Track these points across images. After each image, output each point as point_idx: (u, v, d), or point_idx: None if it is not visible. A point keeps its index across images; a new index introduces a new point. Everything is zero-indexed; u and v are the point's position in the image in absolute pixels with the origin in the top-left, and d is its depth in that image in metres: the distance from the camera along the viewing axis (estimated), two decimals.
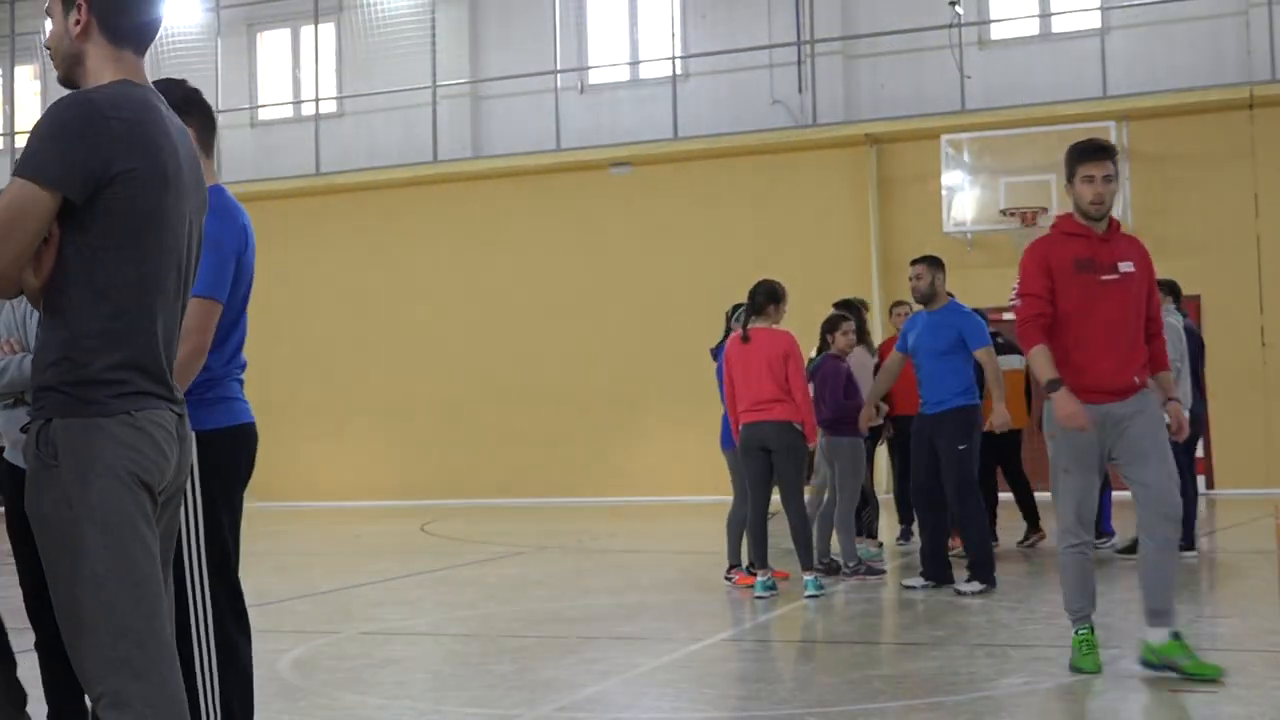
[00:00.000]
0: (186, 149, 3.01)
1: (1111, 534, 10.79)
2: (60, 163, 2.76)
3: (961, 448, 8.43)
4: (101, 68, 2.96)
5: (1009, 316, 18.72)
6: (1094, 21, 17.74)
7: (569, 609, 8.15)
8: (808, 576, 8.34)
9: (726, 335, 9.44)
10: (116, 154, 2.79)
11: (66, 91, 2.98)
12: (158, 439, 2.88)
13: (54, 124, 2.80)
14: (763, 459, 8.42)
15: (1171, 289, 10.61)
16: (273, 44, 21.92)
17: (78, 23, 2.95)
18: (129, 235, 2.84)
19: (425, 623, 7.79)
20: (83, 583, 2.78)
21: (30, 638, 4.02)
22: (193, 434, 3.08)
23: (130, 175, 2.80)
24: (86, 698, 2.97)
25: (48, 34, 3.03)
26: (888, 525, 11.60)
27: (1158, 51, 17.36)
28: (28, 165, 2.76)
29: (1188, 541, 10.41)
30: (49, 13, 3.03)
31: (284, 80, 21.74)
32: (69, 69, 3.01)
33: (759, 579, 8.39)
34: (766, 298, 8.55)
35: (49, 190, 2.75)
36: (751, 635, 7.30)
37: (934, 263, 8.78)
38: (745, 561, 8.87)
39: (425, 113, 20.15)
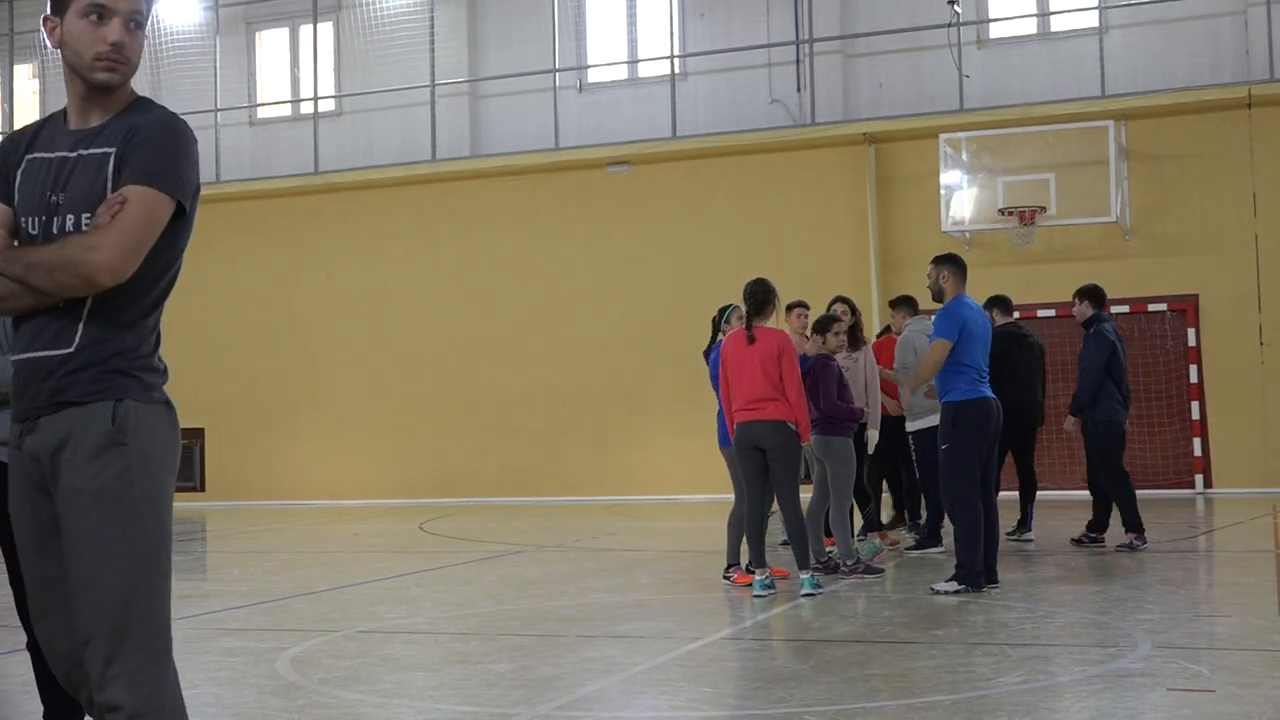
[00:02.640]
0: None
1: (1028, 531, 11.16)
2: (186, 178, 3.00)
3: (943, 446, 8.44)
4: None
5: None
6: (1092, 21, 17.74)
7: (567, 608, 8.14)
8: (805, 575, 8.35)
9: (713, 338, 9.44)
10: (197, 172, 3.09)
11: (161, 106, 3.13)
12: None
13: (179, 141, 3.00)
14: (757, 458, 8.42)
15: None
16: (271, 43, 21.90)
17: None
18: (180, 242, 3.09)
19: (423, 621, 7.79)
20: (126, 557, 2.89)
21: (21, 638, 4.02)
22: None
23: (199, 190, 3.10)
24: (86, 698, 2.98)
25: (134, 47, 3.03)
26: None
27: (1156, 51, 17.36)
28: (161, 179, 2.94)
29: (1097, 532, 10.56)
30: (135, 27, 3.01)
31: (282, 79, 21.73)
32: (127, 79, 3.10)
33: (757, 578, 8.39)
34: (766, 296, 8.54)
35: (175, 202, 2.98)
36: (750, 634, 7.29)
37: (938, 261, 8.80)
38: (744, 560, 8.87)
39: (424, 111, 20.14)
